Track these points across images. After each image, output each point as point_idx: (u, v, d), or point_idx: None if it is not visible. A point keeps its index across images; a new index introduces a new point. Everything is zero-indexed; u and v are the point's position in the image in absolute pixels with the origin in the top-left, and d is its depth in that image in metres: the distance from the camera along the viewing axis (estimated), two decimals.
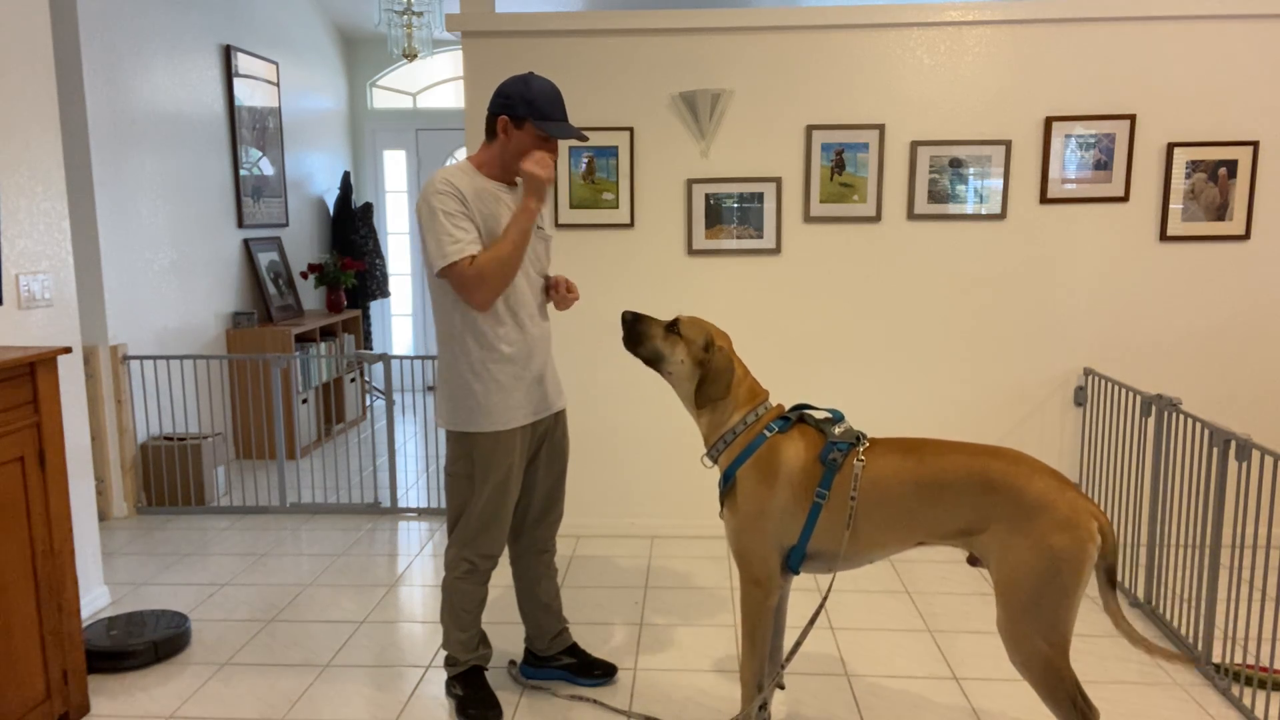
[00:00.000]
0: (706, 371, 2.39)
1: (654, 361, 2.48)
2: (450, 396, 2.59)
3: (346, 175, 7.05)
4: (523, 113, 2.47)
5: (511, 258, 2.44)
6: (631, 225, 4.03)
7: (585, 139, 2.56)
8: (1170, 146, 3.86)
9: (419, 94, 7.63)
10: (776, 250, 4.02)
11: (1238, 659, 2.95)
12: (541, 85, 2.49)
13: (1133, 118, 3.85)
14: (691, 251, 4.05)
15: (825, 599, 2.40)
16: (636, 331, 2.50)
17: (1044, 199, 3.92)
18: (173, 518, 4.57)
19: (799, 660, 3.02)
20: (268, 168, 6.06)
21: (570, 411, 4.15)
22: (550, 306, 2.75)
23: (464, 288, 2.43)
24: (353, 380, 6.61)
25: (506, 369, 2.55)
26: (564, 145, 3.96)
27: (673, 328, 2.45)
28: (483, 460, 2.56)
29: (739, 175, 3.99)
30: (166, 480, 4.66)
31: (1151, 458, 3.32)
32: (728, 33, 3.90)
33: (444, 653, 2.95)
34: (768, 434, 2.35)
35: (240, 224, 5.72)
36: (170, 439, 4.75)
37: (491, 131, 2.55)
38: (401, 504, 4.71)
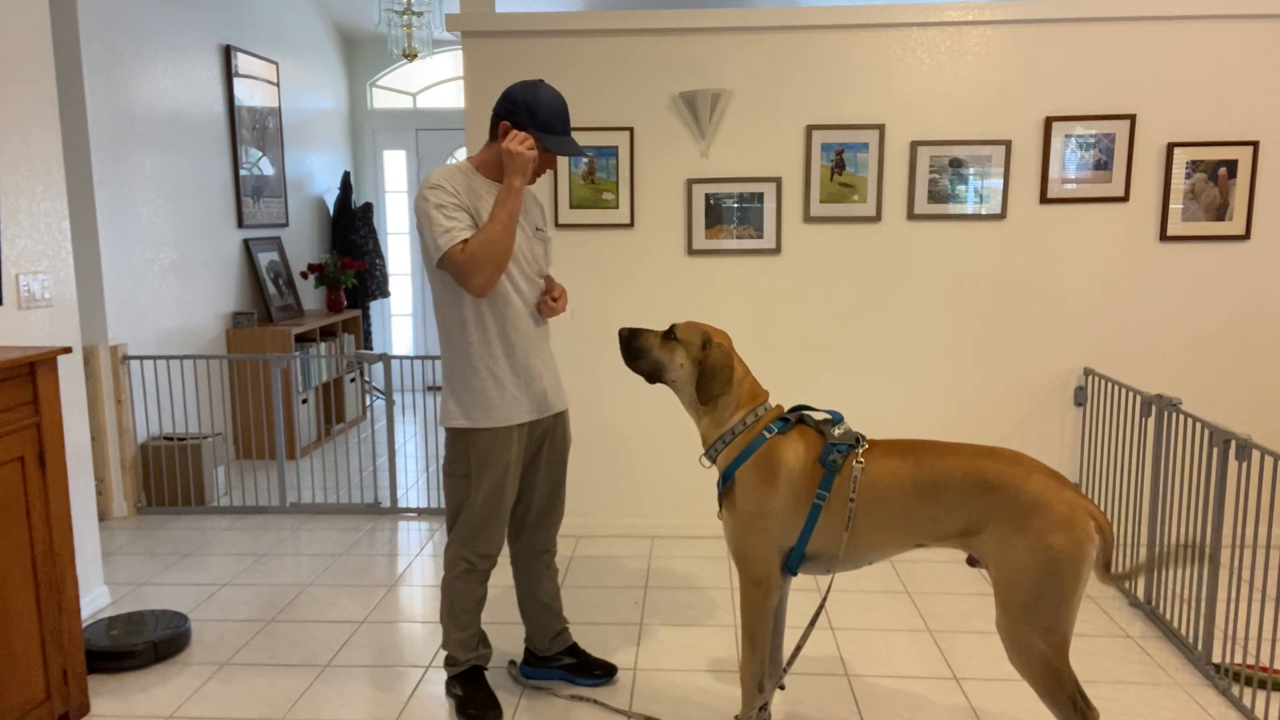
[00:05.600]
0: (705, 368, 2.39)
1: (655, 374, 2.48)
2: (450, 393, 2.60)
3: (346, 175, 7.05)
4: (524, 121, 2.47)
5: (501, 238, 2.40)
6: (631, 225, 4.03)
7: (586, 155, 2.56)
8: (1170, 146, 3.86)
9: (419, 94, 7.64)
10: (776, 250, 4.02)
11: (1238, 659, 2.95)
12: (548, 96, 2.49)
13: (1133, 118, 3.85)
14: (691, 251, 4.05)
15: (825, 600, 2.40)
16: (634, 346, 2.49)
17: (1044, 199, 3.92)
18: (173, 518, 4.57)
19: (799, 660, 3.02)
20: (268, 168, 6.06)
21: (571, 412, 4.14)
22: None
23: (459, 274, 2.41)
24: (353, 380, 6.61)
25: (505, 367, 2.56)
26: None
27: (669, 335, 2.46)
28: (479, 458, 2.56)
29: (739, 175, 3.98)
30: (166, 480, 4.66)
31: (1151, 458, 3.32)
32: (728, 33, 3.90)
33: (444, 653, 2.94)
34: (767, 435, 2.35)
35: (240, 224, 5.72)
36: (170, 439, 4.75)
37: (494, 133, 2.55)
38: (401, 504, 4.71)
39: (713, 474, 4.04)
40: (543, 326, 2.67)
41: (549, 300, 2.64)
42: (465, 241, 2.39)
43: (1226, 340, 3.97)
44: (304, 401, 5.76)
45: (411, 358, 4.81)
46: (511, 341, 2.56)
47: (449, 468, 2.63)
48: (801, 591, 3.54)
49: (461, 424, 2.57)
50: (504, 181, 2.45)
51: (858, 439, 2.30)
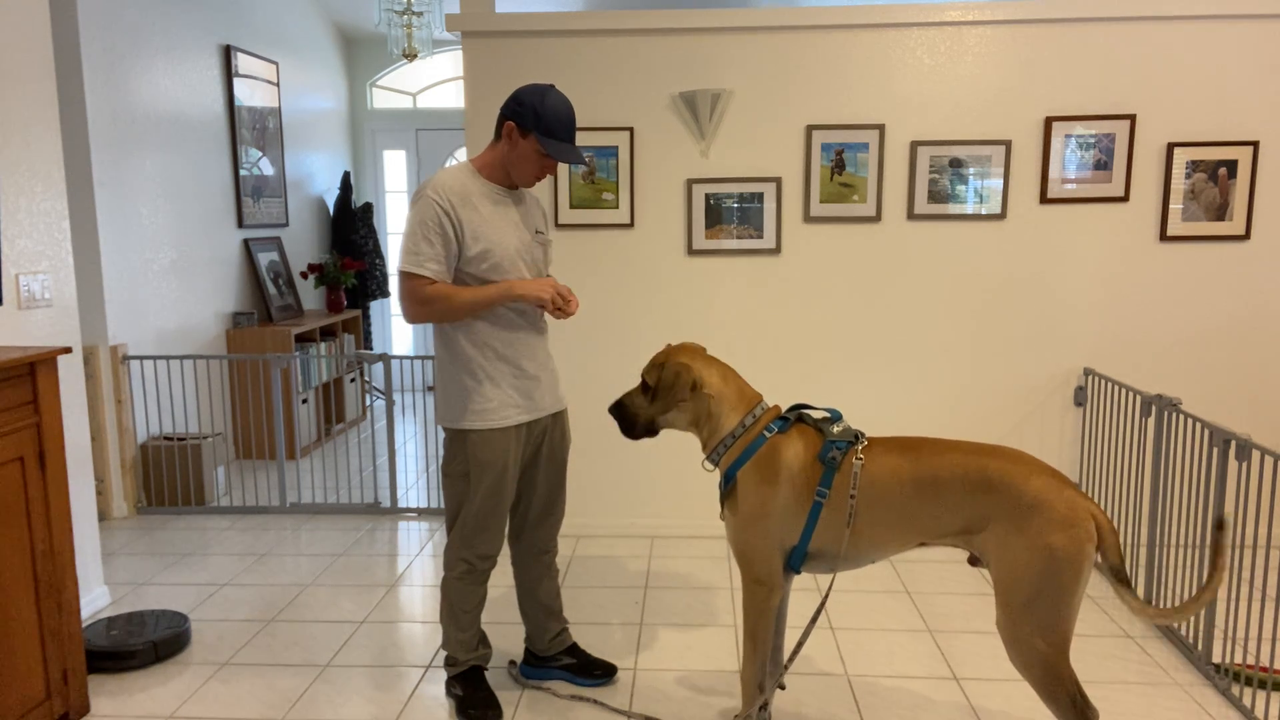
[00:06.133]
0: (658, 389, 2.43)
1: (659, 427, 2.50)
2: (446, 394, 2.60)
3: (346, 175, 7.05)
4: (530, 125, 2.48)
5: (463, 309, 2.49)
6: (631, 225, 4.03)
7: (586, 164, 2.57)
8: (1170, 146, 3.86)
9: (419, 94, 7.63)
10: (776, 250, 4.02)
11: (1238, 659, 2.95)
12: (556, 103, 2.49)
13: (1133, 118, 3.85)
14: (691, 251, 4.05)
15: (825, 599, 2.40)
16: (627, 418, 2.52)
17: (1044, 199, 3.92)
18: (173, 518, 4.57)
19: (799, 660, 3.02)
20: (268, 168, 6.06)
21: (570, 411, 4.15)
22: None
23: (404, 296, 2.50)
24: (353, 380, 6.61)
25: (500, 367, 2.56)
26: None
27: (646, 388, 2.49)
28: (477, 459, 2.57)
29: (739, 175, 3.98)
30: (166, 480, 4.66)
31: (1151, 458, 3.32)
32: (728, 33, 3.90)
33: (444, 653, 2.95)
34: (767, 434, 2.35)
35: (240, 224, 5.72)
36: (170, 439, 4.75)
37: (499, 132, 2.55)
38: (401, 504, 4.71)
39: (713, 474, 4.04)
40: (541, 328, 2.67)
41: (563, 303, 2.62)
42: (429, 280, 2.46)
43: (1226, 340, 3.97)
44: (304, 401, 5.76)
45: (411, 358, 4.80)
46: (508, 342, 2.56)
47: (448, 468, 2.64)
48: (802, 591, 3.54)
49: (459, 425, 2.57)
50: (510, 285, 2.50)
51: (856, 436, 2.31)
